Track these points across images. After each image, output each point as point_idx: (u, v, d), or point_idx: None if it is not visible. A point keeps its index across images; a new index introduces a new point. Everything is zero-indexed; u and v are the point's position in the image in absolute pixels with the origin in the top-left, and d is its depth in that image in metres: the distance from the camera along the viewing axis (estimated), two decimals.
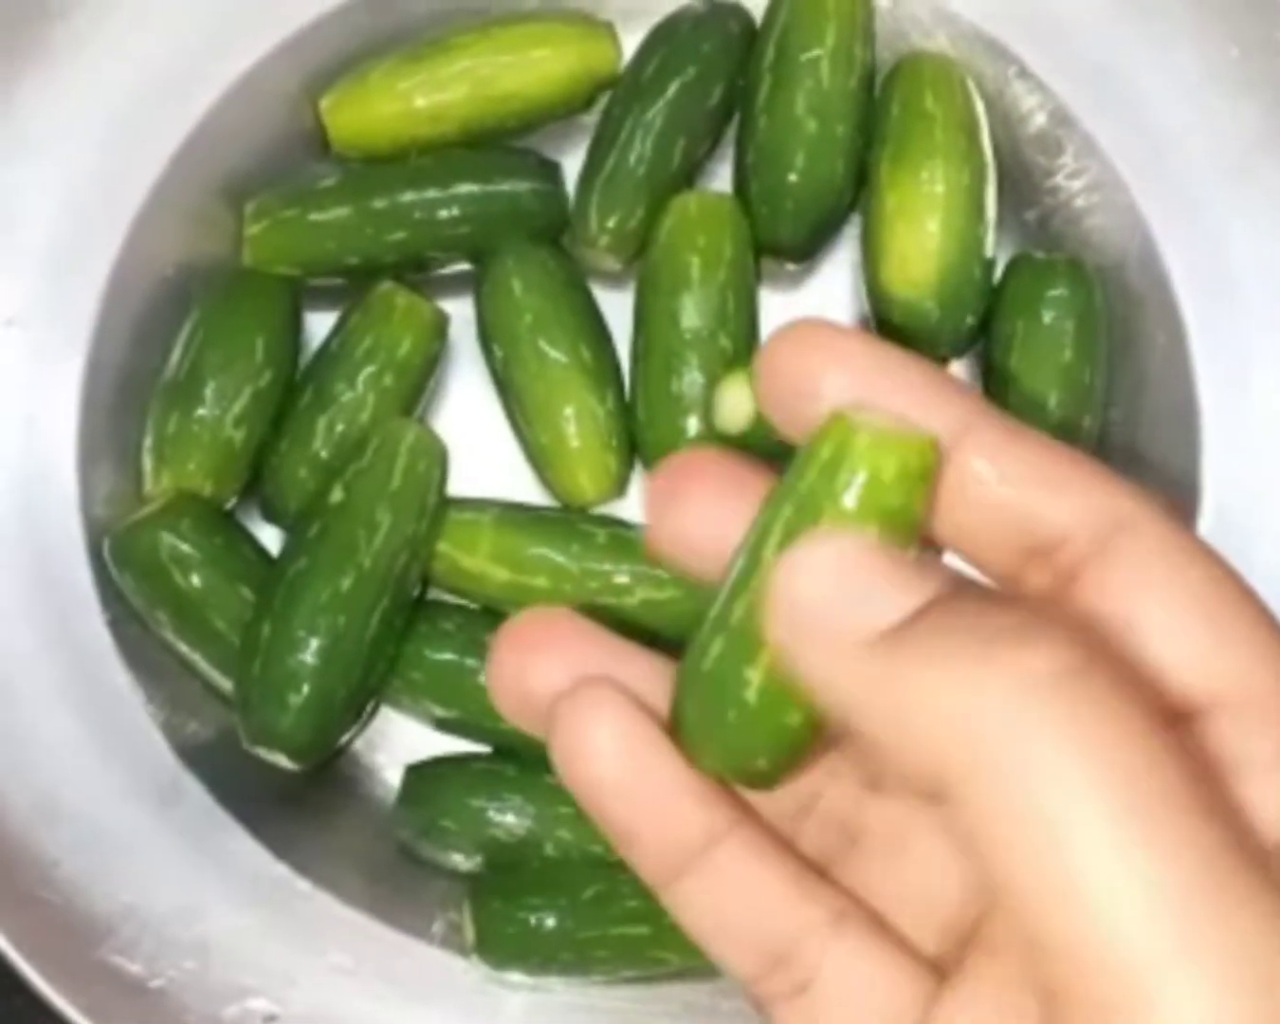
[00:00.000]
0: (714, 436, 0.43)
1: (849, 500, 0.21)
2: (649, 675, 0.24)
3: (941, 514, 0.22)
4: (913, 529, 0.22)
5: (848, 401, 0.22)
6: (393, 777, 0.44)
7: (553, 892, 0.41)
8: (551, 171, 0.47)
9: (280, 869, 0.42)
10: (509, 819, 0.42)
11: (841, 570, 0.21)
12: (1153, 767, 0.18)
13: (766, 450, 0.43)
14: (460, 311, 0.47)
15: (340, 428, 0.44)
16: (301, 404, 0.45)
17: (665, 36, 0.47)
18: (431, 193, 0.46)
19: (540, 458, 0.46)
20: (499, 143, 0.48)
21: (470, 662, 0.43)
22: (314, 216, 0.46)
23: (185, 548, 0.43)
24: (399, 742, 0.45)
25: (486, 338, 0.46)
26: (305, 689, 0.40)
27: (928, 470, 0.21)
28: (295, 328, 0.46)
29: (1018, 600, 0.22)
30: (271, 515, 0.45)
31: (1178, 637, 0.21)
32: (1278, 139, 0.45)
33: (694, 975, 0.42)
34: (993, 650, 0.19)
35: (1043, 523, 0.22)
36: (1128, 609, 0.21)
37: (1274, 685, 0.21)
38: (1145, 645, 0.21)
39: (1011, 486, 0.22)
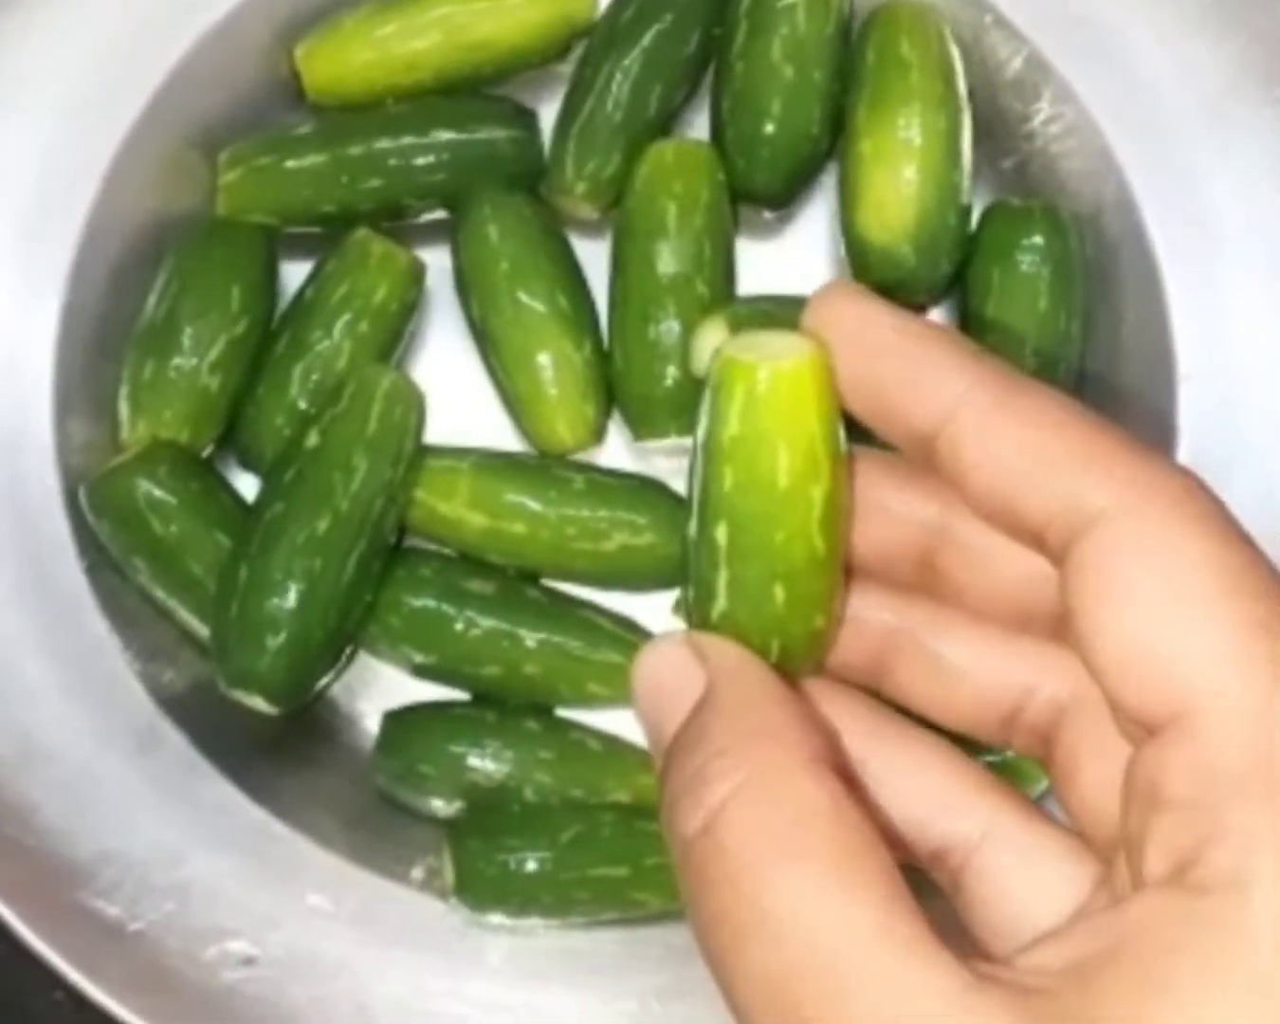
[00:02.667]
0: (691, 382, 0.43)
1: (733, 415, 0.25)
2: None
3: (948, 480, 0.24)
4: (814, 429, 0.25)
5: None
6: (372, 725, 0.45)
7: (532, 834, 0.41)
8: (528, 119, 0.47)
9: (259, 814, 0.42)
10: (488, 764, 0.43)
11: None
12: None
13: None
14: (437, 260, 0.47)
15: (316, 376, 0.44)
16: (277, 352, 0.45)
17: None
18: (407, 140, 0.46)
19: (518, 405, 0.46)
20: (475, 90, 0.47)
21: (448, 608, 0.43)
22: (289, 164, 0.46)
23: (162, 494, 0.42)
24: (378, 689, 0.45)
25: (463, 286, 0.46)
26: (283, 632, 0.40)
27: (806, 375, 0.25)
28: (271, 275, 0.46)
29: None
30: (248, 463, 0.45)
31: (1135, 650, 0.22)
32: (1252, 84, 0.45)
33: (674, 918, 0.42)
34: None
35: (1021, 512, 0.23)
36: (1088, 621, 0.22)
37: (1248, 700, 0.21)
38: (1094, 658, 0.22)
39: (994, 468, 0.23)
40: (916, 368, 0.25)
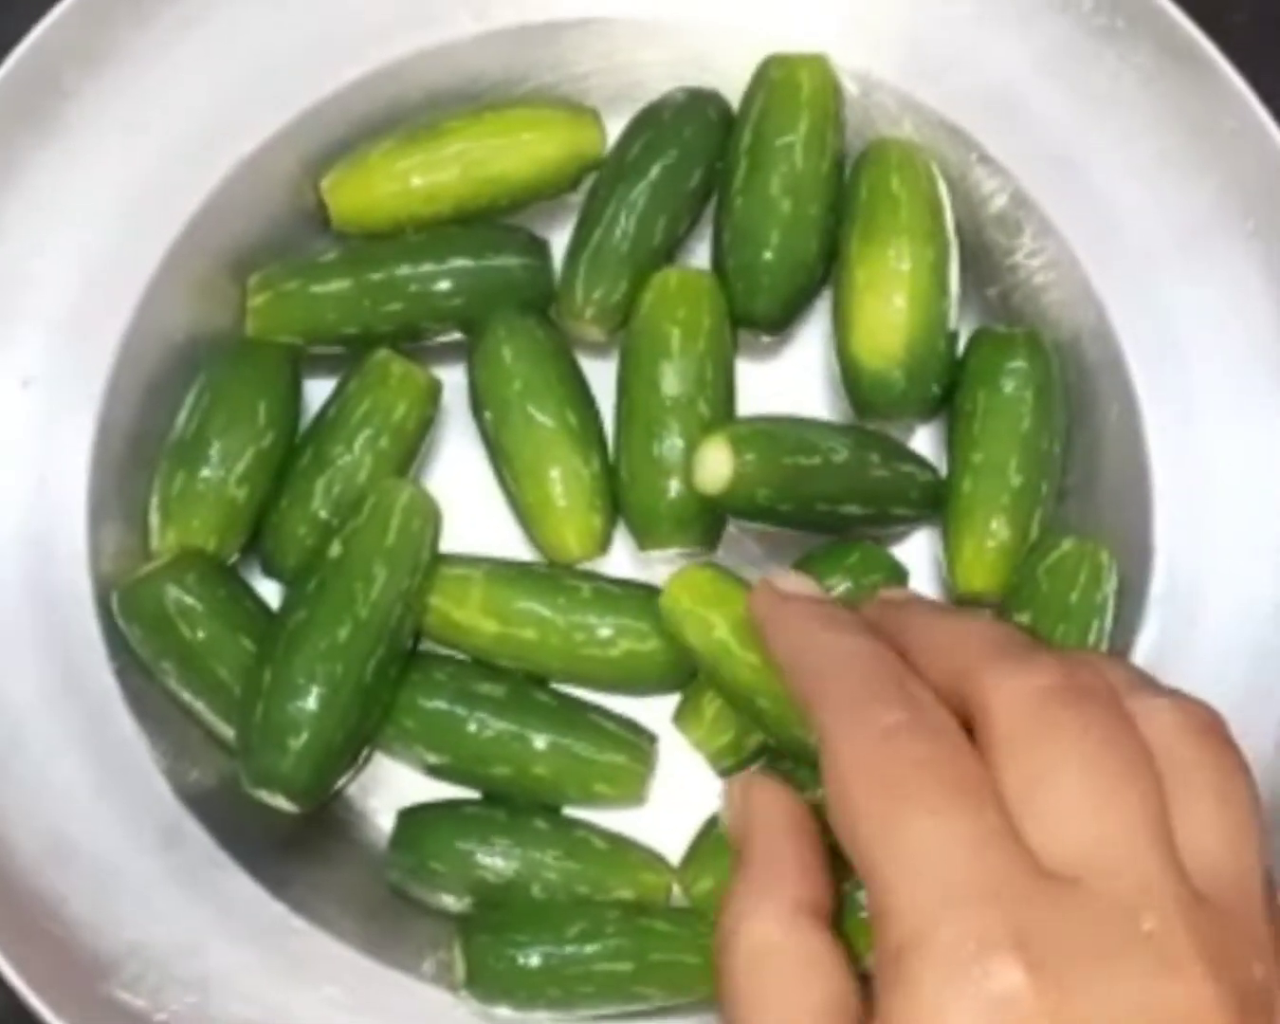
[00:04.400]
0: (693, 496, 0.46)
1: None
2: None
3: None
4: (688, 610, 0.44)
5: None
6: (386, 821, 0.46)
7: (539, 929, 0.43)
8: (540, 247, 0.49)
9: (278, 908, 0.43)
10: (497, 861, 0.44)
11: None
12: None
13: (743, 509, 0.45)
14: (453, 378, 0.49)
15: (338, 488, 0.46)
16: (301, 465, 0.47)
17: (648, 121, 0.50)
18: (426, 267, 0.48)
19: (528, 516, 0.48)
20: (490, 220, 0.50)
21: (460, 710, 0.45)
22: (315, 289, 0.48)
23: (190, 601, 0.44)
24: (392, 787, 0.47)
25: (478, 403, 0.48)
26: (304, 734, 0.42)
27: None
28: (296, 393, 0.48)
29: None
30: (271, 571, 0.47)
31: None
32: (1224, 220, 0.47)
33: (676, 1013, 0.43)
34: None
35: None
36: None
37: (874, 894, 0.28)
38: None
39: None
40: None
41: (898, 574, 0.47)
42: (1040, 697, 0.29)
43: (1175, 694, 0.31)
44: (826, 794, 0.30)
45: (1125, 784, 0.28)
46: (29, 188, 0.46)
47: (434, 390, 0.48)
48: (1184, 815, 0.28)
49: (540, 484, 0.47)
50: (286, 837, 0.45)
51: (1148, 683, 0.32)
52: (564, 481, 0.47)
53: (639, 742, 0.46)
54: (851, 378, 0.48)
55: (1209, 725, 0.30)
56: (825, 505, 0.46)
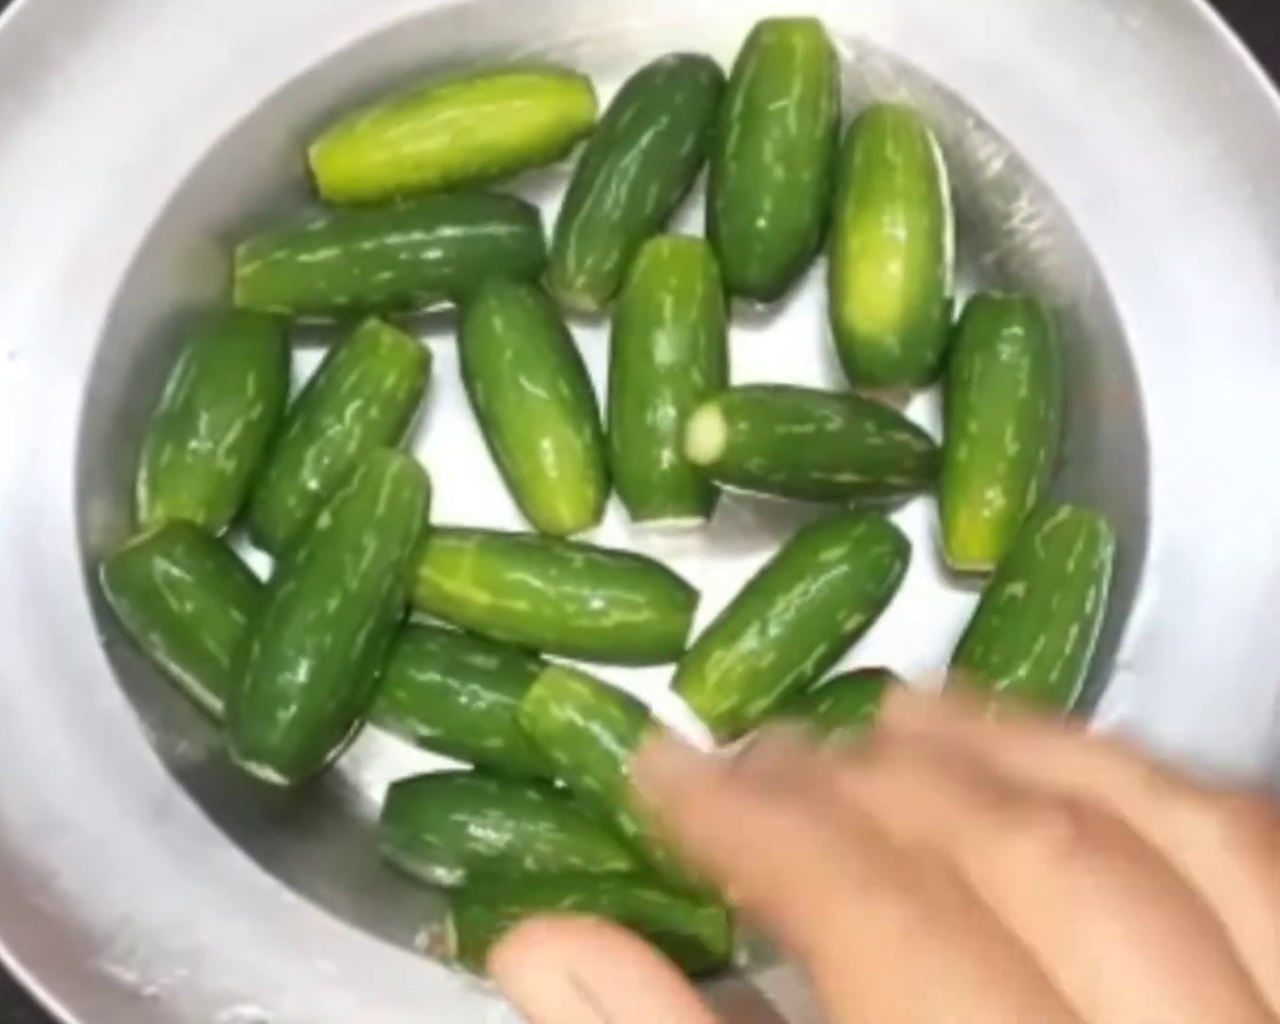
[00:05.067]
0: (686, 466, 0.45)
1: None
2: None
3: None
4: None
5: None
6: (378, 794, 0.46)
7: (532, 901, 0.43)
8: (531, 216, 0.49)
9: (269, 882, 0.43)
10: (489, 833, 0.44)
11: None
12: None
13: (737, 479, 0.45)
14: (443, 348, 0.48)
15: (327, 459, 0.46)
16: (290, 436, 0.46)
17: (639, 88, 0.49)
18: (416, 235, 0.48)
19: (520, 487, 0.47)
20: (480, 189, 0.49)
21: (452, 682, 0.45)
22: (304, 258, 0.48)
23: (178, 573, 0.44)
24: (384, 760, 0.46)
25: (469, 373, 0.48)
26: (294, 706, 0.42)
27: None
28: (285, 363, 0.48)
29: None
30: (261, 542, 0.47)
31: None
32: (1222, 184, 0.47)
33: None
34: None
35: None
36: None
37: None
38: None
39: None
40: None
41: (903, 546, 0.46)
42: (1051, 860, 0.23)
43: (1207, 797, 0.24)
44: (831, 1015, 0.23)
45: (1189, 949, 0.22)
46: (14, 159, 0.46)
47: (424, 360, 0.48)
48: (1255, 960, 0.22)
49: (532, 455, 0.47)
50: (277, 810, 0.45)
51: (1169, 782, 0.25)
52: (556, 452, 0.47)
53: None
54: (846, 345, 0.48)
55: (1258, 833, 0.24)
56: (819, 474, 0.46)
